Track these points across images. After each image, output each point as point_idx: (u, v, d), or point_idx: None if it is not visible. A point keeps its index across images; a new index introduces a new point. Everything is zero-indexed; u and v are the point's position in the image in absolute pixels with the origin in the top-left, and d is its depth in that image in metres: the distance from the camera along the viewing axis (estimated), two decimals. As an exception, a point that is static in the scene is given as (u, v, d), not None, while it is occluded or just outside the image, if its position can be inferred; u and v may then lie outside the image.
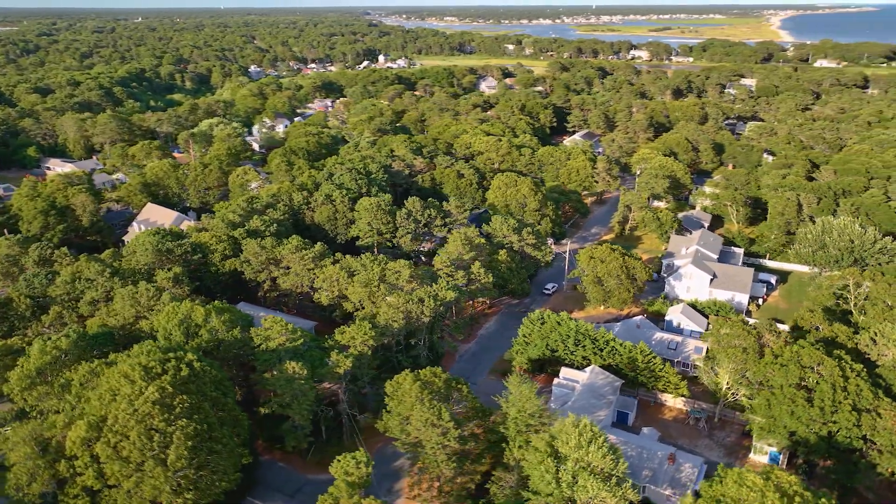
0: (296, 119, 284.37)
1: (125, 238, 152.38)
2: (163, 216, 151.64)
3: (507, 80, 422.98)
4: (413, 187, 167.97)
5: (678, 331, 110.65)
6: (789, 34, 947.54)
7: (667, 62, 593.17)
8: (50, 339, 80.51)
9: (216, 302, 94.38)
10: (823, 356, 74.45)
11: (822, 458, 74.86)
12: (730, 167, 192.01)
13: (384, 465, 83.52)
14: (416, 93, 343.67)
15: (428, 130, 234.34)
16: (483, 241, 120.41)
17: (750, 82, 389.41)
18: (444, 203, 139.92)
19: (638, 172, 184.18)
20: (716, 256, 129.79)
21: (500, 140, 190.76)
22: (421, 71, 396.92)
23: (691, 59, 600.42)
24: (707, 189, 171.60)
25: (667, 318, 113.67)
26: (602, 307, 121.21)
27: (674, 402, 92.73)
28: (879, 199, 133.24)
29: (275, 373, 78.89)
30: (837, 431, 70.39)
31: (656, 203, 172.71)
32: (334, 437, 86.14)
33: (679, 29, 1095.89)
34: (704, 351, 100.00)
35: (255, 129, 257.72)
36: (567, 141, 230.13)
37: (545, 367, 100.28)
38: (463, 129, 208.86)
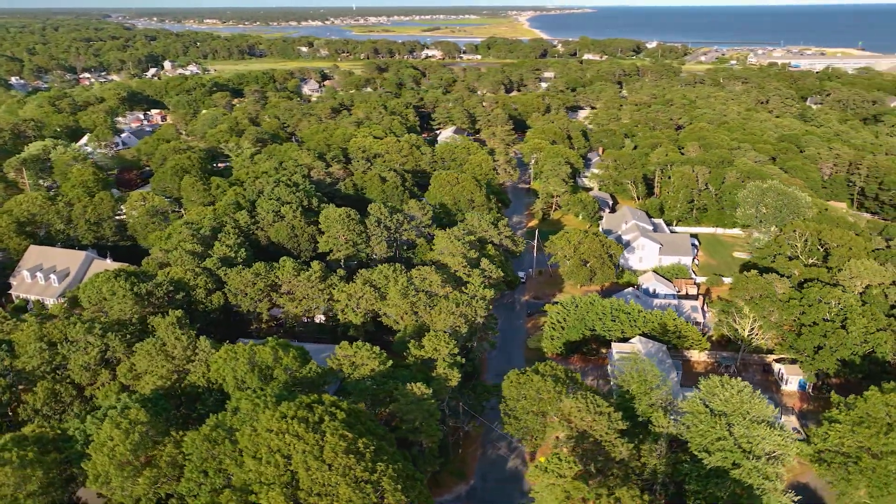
0: (122, 135, 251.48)
1: (12, 292, 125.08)
2: (64, 259, 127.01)
3: (327, 83, 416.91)
4: (337, 195, 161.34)
5: (655, 296, 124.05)
6: (543, 32, 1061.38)
7: (458, 60, 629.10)
8: (119, 414, 65.85)
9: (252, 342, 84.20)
10: (841, 293, 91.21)
11: (842, 378, 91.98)
12: (600, 151, 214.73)
13: (499, 471, 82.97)
14: (244, 100, 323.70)
15: (300, 136, 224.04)
16: (473, 237, 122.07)
17: (549, 74, 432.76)
18: (405, 206, 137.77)
19: (532, 161, 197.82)
20: (651, 228, 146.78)
21: (399, 141, 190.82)
22: (238, 76, 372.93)
23: (479, 57, 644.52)
24: (597, 171, 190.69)
25: (642, 285, 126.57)
26: (580, 286, 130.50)
27: (699, 357, 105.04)
28: (751, 167, 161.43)
29: (399, 398, 73.95)
30: (871, 351, 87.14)
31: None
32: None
33: (449, 29, 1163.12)
34: (700, 308, 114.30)
35: (88, 148, 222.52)
36: (442, 137, 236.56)
37: (578, 349, 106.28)
38: (350, 132, 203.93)
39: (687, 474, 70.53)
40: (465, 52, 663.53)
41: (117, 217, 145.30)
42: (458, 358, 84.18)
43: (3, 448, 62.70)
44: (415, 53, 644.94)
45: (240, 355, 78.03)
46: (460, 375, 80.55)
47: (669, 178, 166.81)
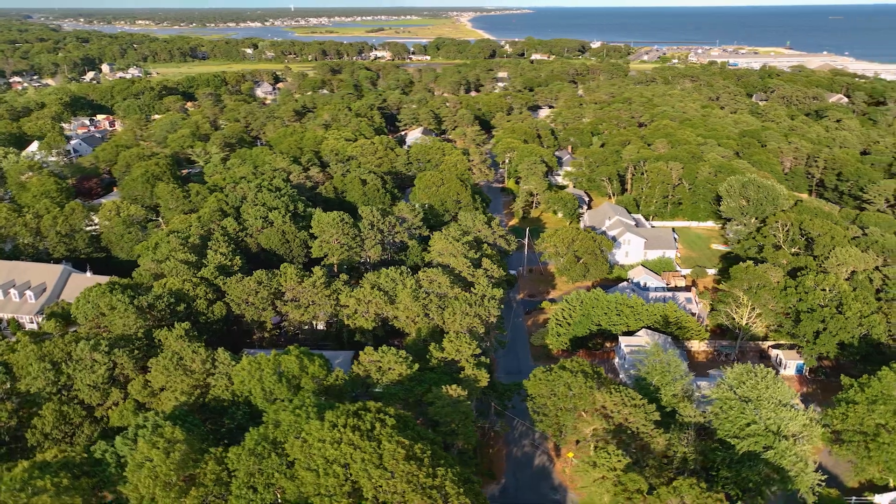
0: (73, 142, 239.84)
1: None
2: (38, 274, 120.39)
3: (280, 85, 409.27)
4: (318, 199, 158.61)
5: (646, 289, 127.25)
6: (487, 32, 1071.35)
7: (408, 60, 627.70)
8: (152, 433, 62.94)
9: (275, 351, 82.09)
10: (835, 279, 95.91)
11: (833, 361, 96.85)
12: (569, 149, 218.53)
13: (527, 469, 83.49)
14: (197, 104, 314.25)
15: (268, 140, 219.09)
16: (470, 237, 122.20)
17: (503, 74, 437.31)
18: (395, 209, 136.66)
19: (506, 161, 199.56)
20: (633, 223, 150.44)
21: (374, 143, 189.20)
22: (188, 79, 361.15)
23: (429, 58, 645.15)
24: (570, 169, 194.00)
25: (633, 279, 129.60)
26: (573, 283, 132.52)
27: (698, 347, 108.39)
28: (721, 161, 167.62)
29: (435, 401, 73.40)
30: (866, 334, 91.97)
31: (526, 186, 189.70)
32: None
33: (393, 30, 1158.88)
34: (694, 299, 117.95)
35: (38, 156, 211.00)
36: (410, 138, 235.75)
37: (583, 345, 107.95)
38: (321, 135, 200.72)
39: (719, 461, 72.70)
40: (414, 53, 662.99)
41: (88, 228, 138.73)
42: (483, 358, 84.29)
43: (32, 476, 59.07)
44: (364, 55, 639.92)
45: (264, 366, 75.92)
46: (489, 375, 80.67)
47: (643, 174, 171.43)
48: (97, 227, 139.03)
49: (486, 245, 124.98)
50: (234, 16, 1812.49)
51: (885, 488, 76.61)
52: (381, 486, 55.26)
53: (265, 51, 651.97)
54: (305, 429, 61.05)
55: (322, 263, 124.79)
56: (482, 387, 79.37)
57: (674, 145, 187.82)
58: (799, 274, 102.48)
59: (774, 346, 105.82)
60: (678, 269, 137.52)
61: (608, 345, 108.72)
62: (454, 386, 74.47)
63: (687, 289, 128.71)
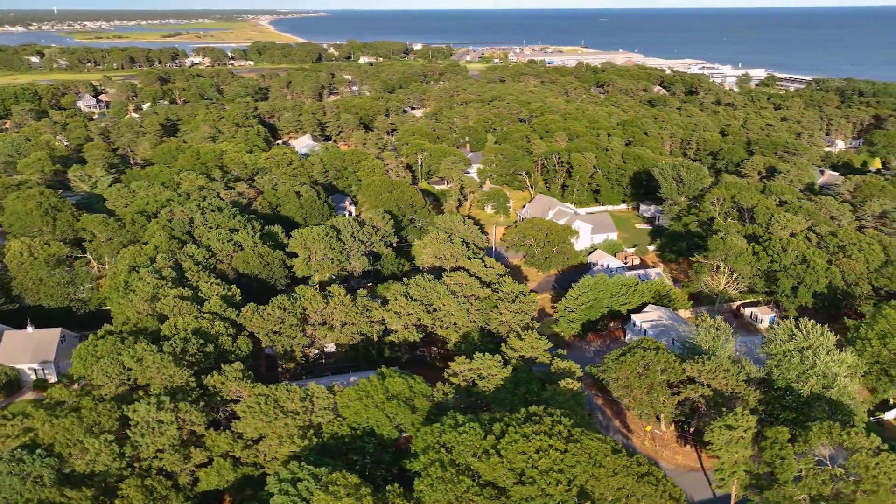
0: None
1: None
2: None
3: (104, 97, 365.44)
4: (253, 214, 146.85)
5: (610, 270, 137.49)
6: (295, 35, 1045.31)
7: (230, 65, 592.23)
8: (321, 487, 56.43)
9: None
10: (796, 241, 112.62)
11: (797, 311, 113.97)
12: (467, 147, 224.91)
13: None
14: (6, 122, 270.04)
15: (149, 157, 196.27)
16: (459, 239, 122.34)
17: (348, 77, 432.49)
18: (369, 219, 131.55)
19: (419, 161, 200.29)
20: (573, 212, 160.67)
21: (286, 153, 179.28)
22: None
23: (251, 63, 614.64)
24: (481, 166, 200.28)
25: (598, 264, 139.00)
26: (541, 273, 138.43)
27: (684, 314, 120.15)
28: (626, 149, 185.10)
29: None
30: (829, 283, 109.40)
31: (442, 186, 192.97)
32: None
33: (193, 34, 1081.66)
34: (664, 274, 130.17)
35: None
36: (298, 146, 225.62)
37: (592, 327, 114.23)
38: (219, 149, 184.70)
39: (779, 406, 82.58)
40: (234, 59, 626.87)
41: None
42: (560, 350, 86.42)
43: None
44: (178, 61, 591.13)
45: (372, 392, 71.28)
46: (579, 366, 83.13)
47: (555, 167, 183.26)
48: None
49: (471, 244, 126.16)
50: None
51: (885, 405, 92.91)
52: (609, 485, 55.67)
53: (56, 59, 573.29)
54: (482, 445, 59.13)
55: (309, 282, 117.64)
56: (580, 376, 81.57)
57: (572, 138, 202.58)
58: (763, 238, 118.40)
59: (744, 305, 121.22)
60: (625, 249, 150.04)
61: (611, 325, 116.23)
62: (567, 379, 76.00)
63: (642, 265, 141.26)
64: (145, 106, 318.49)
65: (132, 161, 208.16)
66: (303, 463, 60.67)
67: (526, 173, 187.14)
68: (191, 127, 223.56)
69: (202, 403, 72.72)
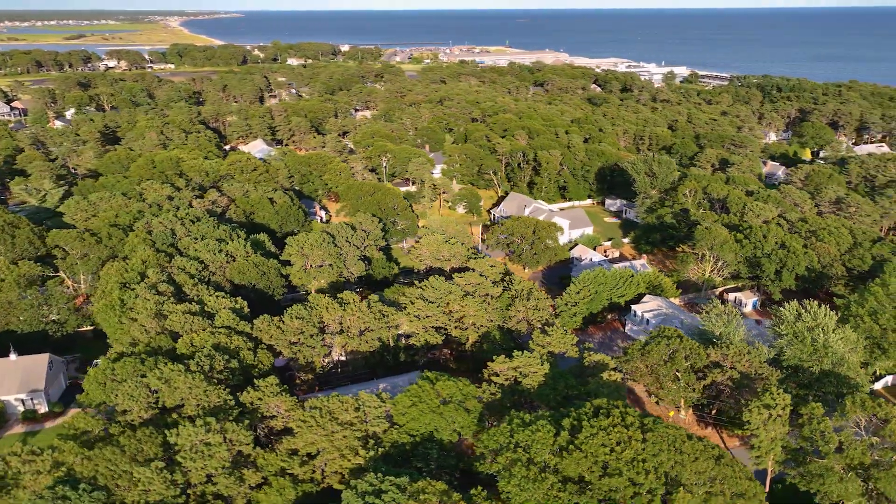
0: None
1: None
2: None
3: (18, 104, 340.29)
4: (230, 223, 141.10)
5: (592, 264, 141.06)
6: (210, 37, 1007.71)
7: (149, 69, 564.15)
8: (402, 494, 55.23)
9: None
10: (777, 228, 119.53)
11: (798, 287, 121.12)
12: (426, 148, 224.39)
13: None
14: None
15: (95, 168, 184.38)
16: (454, 239, 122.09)
17: (282, 79, 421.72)
18: (358, 223, 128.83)
19: (384, 163, 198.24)
20: (549, 209, 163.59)
21: (250, 159, 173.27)
22: None
23: (172, 66, 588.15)
24: (445, 166, 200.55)
25: (581, 258, 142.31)
26: (528, 269, 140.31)
27: (676, 302, 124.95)
28: (589, 146, 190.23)
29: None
30: (808, 267, 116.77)
31: (408, 188, 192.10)
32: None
33: (100, 36, 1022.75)
34: (645, 266, 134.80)
35: None
36: (253, 152, 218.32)
37: (593, 320, 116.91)
38: (175, 156, 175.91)
39: (798, 384, 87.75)
40: (152, 62, 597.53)
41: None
42: (588, 343, 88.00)
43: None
44: (91, 65, 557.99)
45: (425, 398, 70.39)
46: (610, 357, 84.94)
47: (520, 165, 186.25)
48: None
49: (463, 244, 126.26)
50: None
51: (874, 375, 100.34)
52: (692, 469, 57.37)
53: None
54: (557, 441, 59.73)
55: (308, 288, 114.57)
56: (614, 367, 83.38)
57: (532, 136, 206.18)
58: (743, 226, 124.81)
59: (727, 291, 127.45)
60: (603, 243, 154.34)
61: (609, 316, 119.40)
62: (609, 371, 77.63)
63: (621, 258, 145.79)
64: (68, 113, 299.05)
65: (75, 172, 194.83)
66: (383, 475, 58.99)
67: (493, 172, 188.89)
68: (135, 134, 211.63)
69: (246, 422, 69.39)
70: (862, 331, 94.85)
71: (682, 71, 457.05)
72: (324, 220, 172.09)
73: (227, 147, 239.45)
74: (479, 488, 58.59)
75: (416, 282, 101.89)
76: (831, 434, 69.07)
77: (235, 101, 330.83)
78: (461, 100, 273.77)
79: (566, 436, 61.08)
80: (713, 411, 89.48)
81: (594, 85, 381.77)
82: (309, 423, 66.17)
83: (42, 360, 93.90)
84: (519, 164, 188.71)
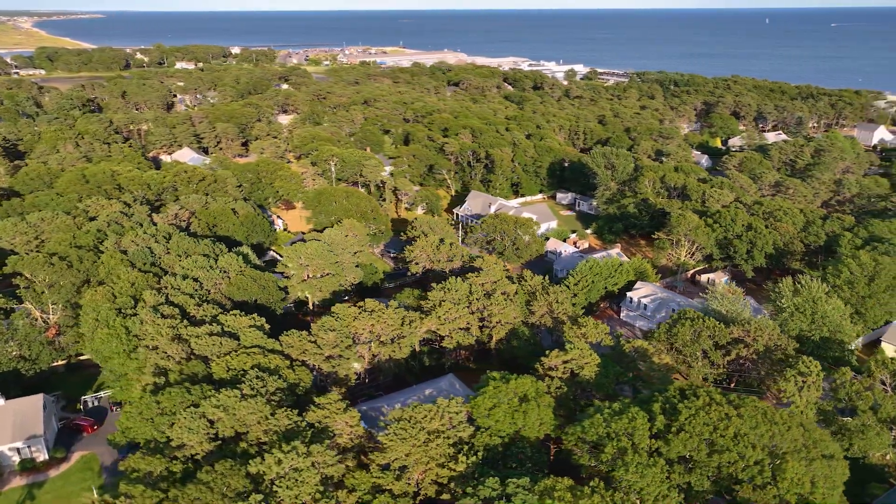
0: None
1: None
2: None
3: None
4: (195, 237, 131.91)
5: (571, 256, 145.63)
6: (76, 39, 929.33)
7: (14, 75, 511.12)
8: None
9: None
10: (742, 213, 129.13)
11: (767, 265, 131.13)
12: (367, 150, 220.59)
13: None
14: None
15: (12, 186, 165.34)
16: (447, 241, 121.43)
17: (181, 84, 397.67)
18: (347, 229, 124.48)
19: (332, 167, 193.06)
20: (514, 205, 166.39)
21: (196, 169, 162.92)
22: None
23: (43, 72, 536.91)
24: (393, 167, 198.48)
25: (556, 251, 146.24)
26: (509, 265, 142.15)
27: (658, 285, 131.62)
28: (536, 143, 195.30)
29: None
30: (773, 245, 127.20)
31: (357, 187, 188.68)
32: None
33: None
34: (621, 254, 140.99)
35: None
36: (185, 161, 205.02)
37: (591, 309, 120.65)
38: (110, 169, 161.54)
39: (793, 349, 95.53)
40: (18, 67, 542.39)
41: None
42: (619, 331, 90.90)
43: None
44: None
45: (504, 397, 70.34)
46: (647, 342, 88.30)
47: (470, 163, 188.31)
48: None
49: (452, 244, 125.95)
50: None
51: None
52: (787, 438, 61.25)
53: None
54: (655, 426, 62.06)
55: (311, 300, 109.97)
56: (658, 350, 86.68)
57: (476, 135, 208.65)
58: (710, 213, 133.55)
59: (699, 272, 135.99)
60: (570, 235, 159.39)
61: (602, 305, 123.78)
62: (661, 355, 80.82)
63: (591, 249, 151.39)
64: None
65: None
66: (501, 478, 58.20)
67: (446, 171, 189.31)
68: (46, 147, 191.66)
69: (326, 442, 65.83)
70: (842, 300, 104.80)
71: (581, 69, 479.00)
72: (281, 228, 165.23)
73: (150, 157, 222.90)
74: (597, 480, 59.29)
75: (433, 284, 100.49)
76: (866, 393, 76.16)
77: (137, 109, 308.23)
78: (388, 101, 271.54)
79: (663, 419, 63.17)
80: (732, 384, 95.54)
81: (506, 83, 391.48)
82: (402, 436, 63.84)
83: (36, 401, 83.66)
84: (469, 163, 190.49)
